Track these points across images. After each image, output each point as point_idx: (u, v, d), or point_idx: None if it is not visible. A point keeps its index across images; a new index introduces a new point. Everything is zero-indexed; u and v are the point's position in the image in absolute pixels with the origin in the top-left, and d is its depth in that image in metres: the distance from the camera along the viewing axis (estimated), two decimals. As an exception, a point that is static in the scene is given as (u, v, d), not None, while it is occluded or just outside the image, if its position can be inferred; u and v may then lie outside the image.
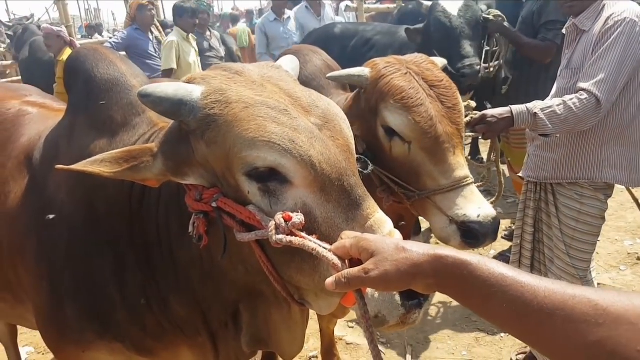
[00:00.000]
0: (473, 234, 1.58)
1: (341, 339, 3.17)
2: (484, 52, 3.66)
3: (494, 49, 3.71)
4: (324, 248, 0.99)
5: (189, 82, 1.23)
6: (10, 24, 10.87)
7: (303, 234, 1.04)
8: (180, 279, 1.47)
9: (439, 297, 3.58)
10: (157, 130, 1.50)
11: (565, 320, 0.69)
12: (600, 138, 2.27)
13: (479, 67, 3.54)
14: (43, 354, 3.33)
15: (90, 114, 1.58)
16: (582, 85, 2.13)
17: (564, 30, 2.44)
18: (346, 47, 4.23)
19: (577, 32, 2.32)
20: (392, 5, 7.82)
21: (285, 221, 1.04)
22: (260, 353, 2.95)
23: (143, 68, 5.77)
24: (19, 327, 2.87)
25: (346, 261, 0.94)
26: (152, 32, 6.11)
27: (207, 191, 1.20)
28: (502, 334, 3.15)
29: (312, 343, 3.22)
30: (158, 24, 6.53)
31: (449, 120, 1.70)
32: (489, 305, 0.76)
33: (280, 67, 1.35)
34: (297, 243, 1.02)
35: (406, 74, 1.75)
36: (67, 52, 5.32)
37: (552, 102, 2.18)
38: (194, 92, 1.16)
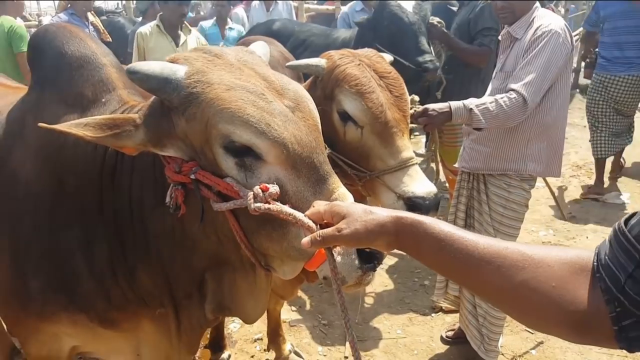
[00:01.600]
0: (418, 208, 1.75)
1: (285, 321, 3.28)
2: None
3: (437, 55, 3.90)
4: (300, 214, 1.10)
5: (172, 61, 1.31)
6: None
7: (278, 203, 1.15)
8: (151, 249, 1.52)
9: (375, 283, 3.80)
10: (127, 107, 1.54)
11: (500, 266, 0.85)
12: (527, 135, 2.53)
13: (438, 63, 3.65)
14: None
15: (60, 90, 1.60)
16: (512, 86, 2.37)
17: (499, 37, 2.68)
18: (284, 44, 4.26)
19: (511, 40, 2.56)
20: (331, 7, 7.94)
21: (263, 191, 1.15)
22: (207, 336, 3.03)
23: None
24: None
25: (318, 225, 1.06)
26: (87, 19, 5.90)
27: (186, 164, 1.29)
28: (433, 314, 3.41)
29: (257, 326, 3.27)
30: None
31: (396, 107, 1.88)
32: (439, 257, 0.92)
33: (253, 52, 1.46)
34: (275, 209, 1.12)
35: (359, 64, 1.91)
36: None
37: (486, 99, 2.41)
38: (178, 71, 1.25)
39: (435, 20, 3.78)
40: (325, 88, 1.95)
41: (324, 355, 3.07)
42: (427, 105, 2.38)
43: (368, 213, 0.97)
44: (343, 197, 1.23)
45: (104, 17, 6.67)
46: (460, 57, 3.79)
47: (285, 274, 1.38)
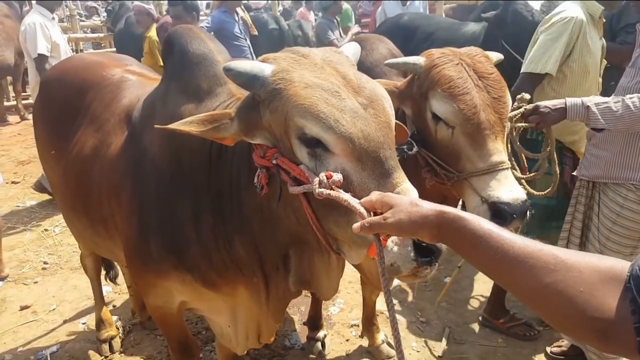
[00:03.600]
0: (502, 214, 1.71)
1: (382, 313, 3.35)
2: None
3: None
4: (355, 201, 1.19)
5: (263, 60, 1.49)
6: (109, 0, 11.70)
7: (340, 190, 1.25)
8: (244, 222, 1.74)
9: (482, 288, 3.68)
10: (235, 99, 1.76)
11: (532, 267, 0.87)
12: None
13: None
14: (119, 294, 3.80)
15: (182, 82, 1.87)
16: None
17: (637, 28, 2.38)
18: (411, 38, 4.24)
19: None
20: None
21: (327, 178, 1.27)
22: (307, 315, 3.23)
23: (231, 50, 5.99)
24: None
25: (371, 213, 1.14)
26: (237, 13, 6.44)
27: (270, 150, 1.47)
28: (541, 327, 3.21)
29: (356, 313, 3.43)
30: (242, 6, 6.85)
31: (492, 109, 1.84)
32: (475, 252, 0.95)
33: (341, 52, 1.57)
34: (334, 195, 1.23)
35: (458, 64, 1.90)
36: (153, 29, 5.60)
37: (610, 98, 2.18)
38: (265, 69, 1.42)
39: None
40: (421, 87, 1.97)
41: (417, 352, 3.09)
42: (539, 102, 2.25)
43: (414, 205, 1.03)
44: (406, 191, 1.29)
45: (251, 13, 7.23)
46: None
47: (352, 258, 1.49)
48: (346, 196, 1.22)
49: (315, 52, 1.51)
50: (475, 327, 3.29)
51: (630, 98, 2.12)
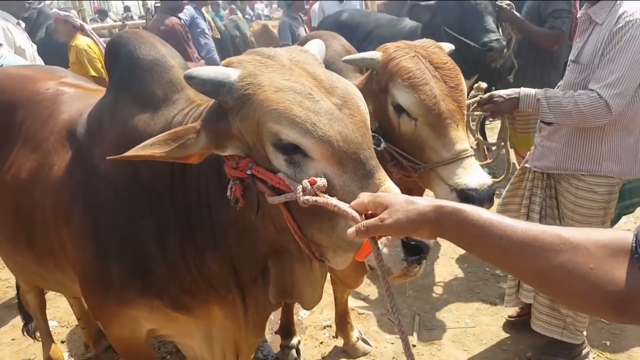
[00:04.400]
0: (471, 200, 1.74)
1: (353, 309, 3.35)
2: None
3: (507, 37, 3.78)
4: (345, 205, 1.16)
5: (227, 65, 1.41)
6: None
7: (326, 195, 1.21)
8: (218, 237, 1.64)
9: (444, 272, 3.78)
10: (194, 106, 1.66)
11: (538, 250, 0.87)
12: (602, 130, 2.29)
13: (505, 42, 3.55)
14: (67, 327, 3.49)
15: (134, 91, 1.73)
16: (593, 86, 2.16)
17: (578, 17, 2.42)
18: (351, 36, 4.23)
19: (590, 23, 2.30)
20: None
21: (311, 184, 1.21)
22: (278, 323, 3.18)
23: (200, 47, 5.89)
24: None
25: (363, 215, 1.11)
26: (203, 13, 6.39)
27: (243, 160, 1.39)
28: (502, 305, 3.33)
29: (327, 314, 3.40)
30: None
31: (451, 98, 1.88)
32: (479, 243, 0.95)
33: (307, 51, 1.52)
34: (321, 202, 1.18)
35: (414, 56, 1.92)
36: (78, 37, 5.25)
37: (561, 92, 2.24)
38: (231, 75, 1.34)
39: (504, 2, 3.66)
40: (380, 81, 1.98)
41: (392, 343, 3.12)
42: (493, 92, 2.32)
43: (410, 203, 1.01)
44: (389, 190, 1.26)
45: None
46: (532, 40, 3.66)
47: (337, 264, 1.45)
48: (334, 201, 1.18)
49: (281, 52, 1.46)
50: (443, 312, 3.36)
51: (580, 95, 2.17)
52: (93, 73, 4.87)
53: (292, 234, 1.39)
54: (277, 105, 1.28)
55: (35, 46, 4.82)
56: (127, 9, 17.91)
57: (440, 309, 3.39)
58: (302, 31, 6.29)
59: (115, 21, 11.26)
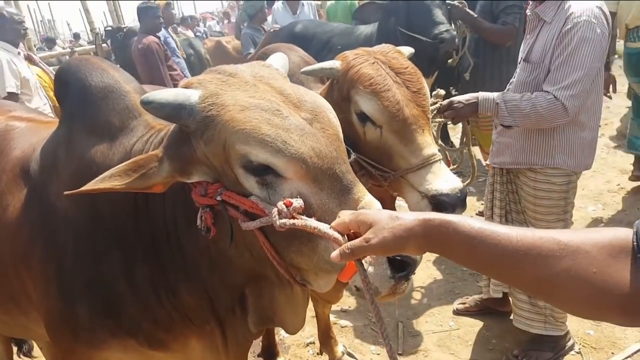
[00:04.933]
0: (443, 206, 1.71)
1: (335, 323, 3.29)
2: None
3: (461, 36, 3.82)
4: (325, 226, 1.09)
5: (186, 87, 1.33)
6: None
7: (303, 217, 1.14)
8: (189, 268, 1.55)
9: (423, 276, 3.75)
10: (154, 132, 1.57)
11: (536, 257, 0.83)
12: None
13: (455, 32, 3.56)
14: None
15: (88, 121, 1.63)
16: (548, 88, 2.20)
17: (527, 13, 2.48)
18: (307, 47, 4.18)
19: (539, 21, 2.34)
20: None
21: (287, 207, 1.14)
22: (259, 346, 3.08)
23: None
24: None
25: (345, 236, 1.05)
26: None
27: (211, 186, 1.30)
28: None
29: (309, 330, 3.32)
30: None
31: (414, 103, 1.84)
32: (471, 255, 0.90)
33: (270, 66, 1.45)
34: (299, 224, 1.11)
35: (373, 63, 1.88)
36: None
37: (518, 95, 2.27)
38: (192, 96, 1.25)
39: (456, 0, 3.68)
40: (341, 90, 1.93)
41: (377, 354, 3.07)
42: (452, 98, 2.32)
43: (394, 219, 0.96)
44: (370, 205, 1.21)
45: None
46: (485, 37, 3.71)
47: (320, 287, 1.38)
48: (313, 222, 1.11)
49: (243, 68, 1.38)
50: (426, 316, 3.33)
51: (537, 97, 2.20)
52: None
53: (270, 260, 1.31)
54: (244, 125, 1.21)
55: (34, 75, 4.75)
56: (76, 36, 17.58)
57: (423, 313, 3.36)
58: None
59: (63, 48, 10.97)
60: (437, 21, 3.53)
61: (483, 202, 4.53)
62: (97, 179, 1.30)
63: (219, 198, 1.28)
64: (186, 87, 1.33)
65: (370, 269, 1.15)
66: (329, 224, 1.09)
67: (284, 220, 1.13)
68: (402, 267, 1.18)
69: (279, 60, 1.58)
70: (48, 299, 1.68)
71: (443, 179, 1.76)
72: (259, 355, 3.09)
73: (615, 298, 0.78)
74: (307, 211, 1.18)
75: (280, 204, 1.15)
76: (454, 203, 1.72)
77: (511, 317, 2.94)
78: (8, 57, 4.47)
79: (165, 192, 1.49)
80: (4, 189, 1.82)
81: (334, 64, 1.95)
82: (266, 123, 1.20)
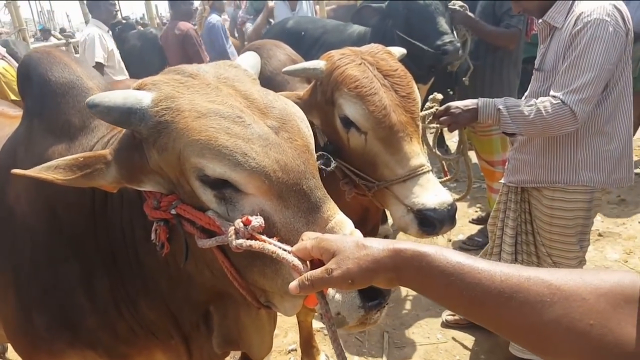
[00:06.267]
0: (430, 222, 1.59)
1: (319, 331, 3.19)
2: None
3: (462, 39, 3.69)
4: (285, 250, 0.98)
5: (139, 88, 1.21)
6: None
7: (263, 237, 1.03)
8: (149, 282, 1.46)
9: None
10: (116, 132, 1.46)
11: (523, 302, 0.72)
12: (575, 136, 2.14)
13: (459, 44, 3.44)
14: None
15: (47, 119, 1.53)
16: (555, 93, 2.02)
17: (537, 27, 2.30)
18: (298, 44, 3.93)
19: (550, 29, 2.17)
20: None
21: (245, 225, 1.03)
22: (239, 353, 2.97)
23: (224, 53, 5.95)
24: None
25: (307, 262, 0.94)
26: None
27: (165, 198, 1.19)
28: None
29: (291, 337, 3.23)
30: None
31: (403, 109, 1.71)
32: (448, 294, 0.79)
33: (238, 66, 1.33)
34: (256, 247, 1.01)
35: (360, 64, 1.75)
36: None
37: (522, 101, 2.11)
38: (143, 99, 1.14)
39: (457, 4, 3.54)
40: (325, 92, 1.80)
41: (361, 365, 2.95)
42: (450, 103, 2.16)
43: (361, 248, 0.85)
44: (340, 225, 1.10)
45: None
46: (488, 41, 3.55)
47: (286, 311, 1.26)
48: (272, 246, 1.00)
49: (206, 69, 1.26)
50: (413, 327, 3.22)
51: (543, 102, 2.03)
52: (13, 97, 4.59)
53: (231, 280, 1.20)
54: (199, 135, 1.08)
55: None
56: (62, 30, 17.51)
57: (410, 324, 3.24)
58: None
59: (59, 39, 10.85)
60: (441, 31, 3.39)
61: (477, 210, 4.51)
62: (42, 166, 1.19)
63: (173, 211, 1.17)
64: (139, 88, 1.20)
65: (337, 296, 1.05)
66: (292, 246, 0.98)
67: (240, 241, 1.03)
68: (374, 295, 1.06)
69: (249, 60, 1.45)
70: (6, 306, 1.60)
71: (431, 192, 1.63)
72: (238, 361, 3.00)
73: (615, 357, 0.66)
74: (270, 230, 1.07)
75: (238, 222, 1.04)
76: (441, 219, 1.59)
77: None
78: (100, 33, 5.19)
79: (122, 200, 1.40)
80: None
81: (318, 64, 1.81)
82: (224, 132, 1.08)
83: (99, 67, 5.08)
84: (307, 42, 4.08)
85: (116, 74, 5.25)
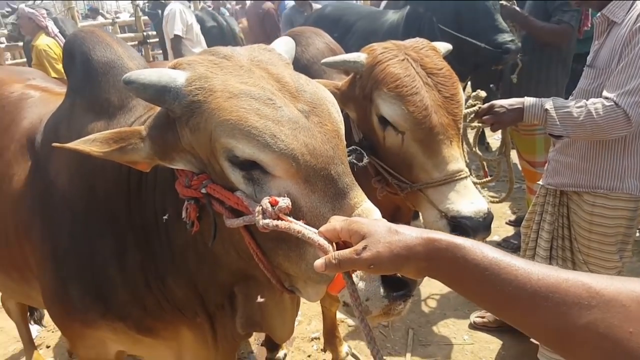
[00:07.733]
0: (463, 229, 1.53)
1: (343, 322, 3.19)
2: None
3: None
4: (311, 231, 0.98)
5: (175, 67, 1.22)
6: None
7: (290, 218, 1.04)
8: (177, 261, 1.50)
9: (437, 284, 3.56)
10: (153, 113, 1.47)
11: (559, 303, 0.68)
12: (623, 141, 2.02)
13: (520, 43, 3.31)
14: (53, 332, 3.41)
15: (88, 97, 1.59)
16: (608, 94, 1.90)
17: (595, 19, 2.16)
18: (335, 29, 3.81)
19: (608, 23, 2.03)
20: None
21: (272, 205, 1.04)
22: (263, 335, 3.00)
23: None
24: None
25: (334, 244, 0.93)
26: None
27: (196, 177, 1.22)
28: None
29: (315, 325, 3.26)
30: None
31: (445, 110, 1.64)
32: (481, 289, 0.76)
33: (272, 50, 1.33)
34: (283, 227, 1.01)
35: (403, 60, 1.69)
36: (41, 37, 5.12)
37: (571, 102, 1.98)
38: (178, 78, 1.15)
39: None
40: (364, 87, 1.75)
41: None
42: (495, 101, 2.06)
43: (394, 233, 0.83)
44: (367, 213, 1.09)
45: None
46: (537, 38, 3.38)
47: (309, 296, 1.27)
48: (297, 226, 1.00)
49: (241, 51, 1.26)
50: (439, 326, 3.18)
51: (594, 104, 1.90)
52: (54, 74, 4.70)
53: (257, 262, 1.21)
54: (230, 115, 1.09)
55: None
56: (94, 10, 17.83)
57: (436, 323, 3.20)
58: None
59: (106, 19, 11.09)
60: (501, 28, 3.26)
61: (515, 212, 4.38)
62: (81, 139, 1.22)
63: (203, 191, 1.19)
64: (175, 67, 1.22)
65: (360, 284, 1.03)
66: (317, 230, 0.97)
67: (267, 221, 1.03)
68: (398, 286, 1.04)
69: (284, 44, 1.45)
70: (44, 276, 1.69)
71: (467, 200, 1.57)
72: (262, 344, 3.04)
73: None
74: (296, 214, 1.08)
75: (265, 202, 1.05)
76: (476, 228, 1.53)
77: (532, 340, 2.74)
78: (181, 7, 5.63)
79: (156, 180, 1.45)
80: (12, 159, 1.84)
81: (359, 57, 1.75)
82: (254, 113, 1.09)
83: (177, 39, 5.61)
84: (342, 28, 4.01)
85: (194, 46, 5.64)
